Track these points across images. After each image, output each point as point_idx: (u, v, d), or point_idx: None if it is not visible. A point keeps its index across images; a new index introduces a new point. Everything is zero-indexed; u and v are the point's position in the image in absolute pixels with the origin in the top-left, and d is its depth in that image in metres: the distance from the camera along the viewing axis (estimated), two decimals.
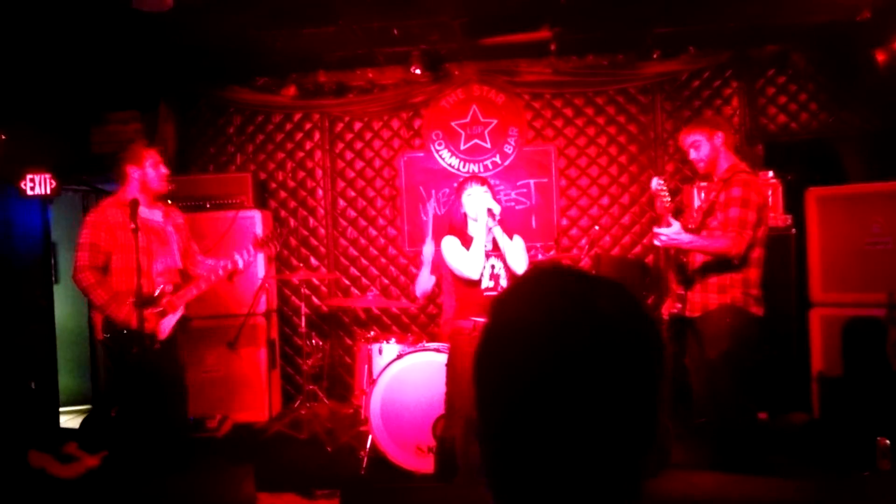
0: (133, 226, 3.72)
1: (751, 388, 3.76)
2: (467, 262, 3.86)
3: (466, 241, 3.95)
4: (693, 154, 3.78)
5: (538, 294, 0.87)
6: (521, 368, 0.81)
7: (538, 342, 0.80)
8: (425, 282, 4.73)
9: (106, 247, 3.77)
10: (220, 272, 3.98)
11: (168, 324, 3.86)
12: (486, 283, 3.93)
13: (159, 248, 3.92)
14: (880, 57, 5.11)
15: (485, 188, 3.99)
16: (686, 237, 3.49)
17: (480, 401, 0.86)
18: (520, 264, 3.93)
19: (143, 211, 3.88)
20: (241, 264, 4.02)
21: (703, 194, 4.04)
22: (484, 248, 3.89)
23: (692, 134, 3.78)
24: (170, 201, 5.44)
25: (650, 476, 0.84)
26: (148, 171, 3.91)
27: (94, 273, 3.75)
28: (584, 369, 0.78)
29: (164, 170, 4.01)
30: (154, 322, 3.80)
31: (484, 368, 0.86)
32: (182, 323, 4.00)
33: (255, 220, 5.77)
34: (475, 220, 3.97)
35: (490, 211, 3.89)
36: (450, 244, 3.96)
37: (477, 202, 3.93)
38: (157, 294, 3.83)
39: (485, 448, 0.85)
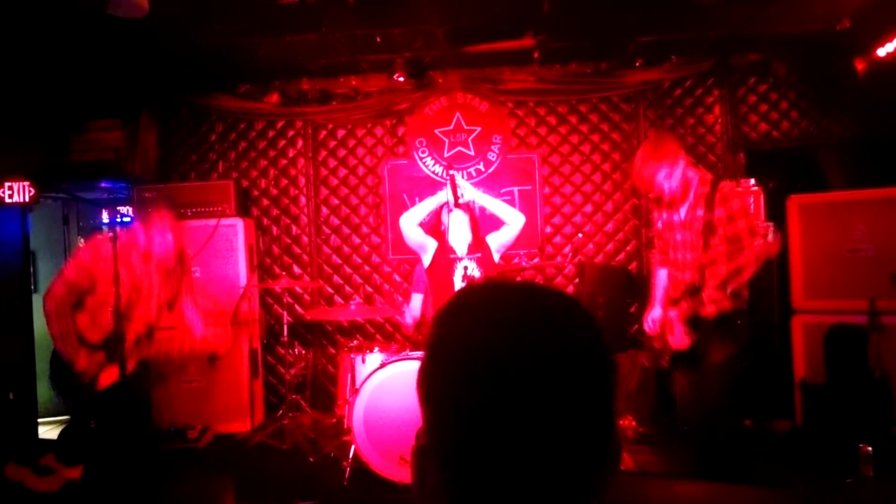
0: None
1: (739, 396, 3.76)
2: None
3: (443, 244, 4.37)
4: (667, 186, 3.60)
5: (484, 305, 0.85)
6: (471, 382, 0.78)
7: (486, 355, 0.78)
8: (416, 305, 4.91)
9: (83, 288, 3.84)
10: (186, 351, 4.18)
11: (109, 376, 3.84)
12: (460, 284, 4.02)
13: (136, 301, 3.95)
14: (860, 65, 5.16)
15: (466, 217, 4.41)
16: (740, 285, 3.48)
17: (430, 415, 0.84)
18: (513, 216, 4.45)
19: (135, 263, 3.93)
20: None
21: (665, 213, 3.90)
22: (421, 217, 4.41)
23: (661, 168, 3.58)
24: (151, 210, 5.43)
25: (606, 487, 0.83)
26: (155, 239, 3.95)
27: (61, 306, 3.79)
28: (537, 381, 0.77)
29: (171, 244, 4.00)
30: (95, 370, 3.82)
31: (432, 382, 0.84)
32: (133, 377, 3.95)
33: (237, 228, 5.74)
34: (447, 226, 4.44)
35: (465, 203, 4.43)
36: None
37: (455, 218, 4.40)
38: (113, 341, 3.80)
39: (437, 462, 0.83)
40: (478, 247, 4.37)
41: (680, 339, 3.68)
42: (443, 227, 4.43)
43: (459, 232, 4.36)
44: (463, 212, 4.40)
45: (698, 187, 3.64)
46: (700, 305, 3.56)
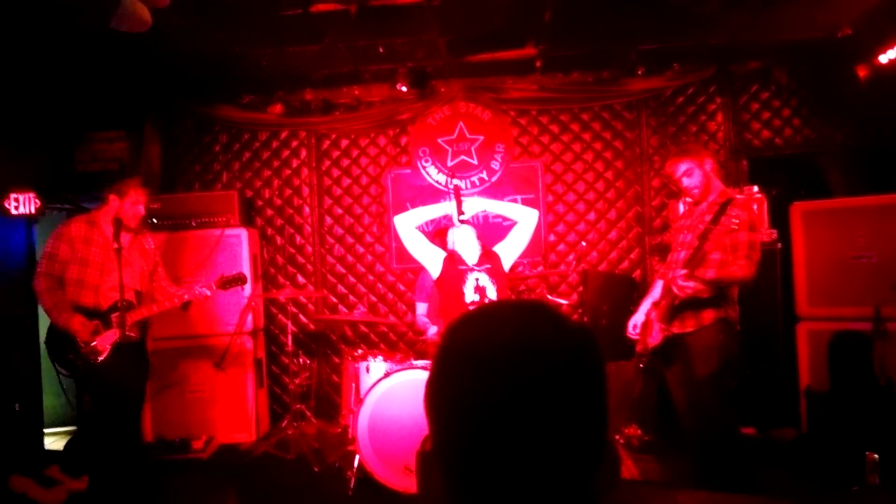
0: (116, 245, 4.00)
1: (735, 404, 3.76)
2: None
3: (451, 255, 4.29)
4: (686, 181, 3.77)
5: (490, 321, 0.90)
6: (476, 392, 0.83)
7: (493, 367, 0.83)
8: (422, 313, 4.98)
9: (63, 257, 4.00)
10: (176, 301, 4.22)
11: (107, 339, 3.96)
12: (471, 296, 3.99)
13: (117, 267, 4.06)
14: (861, 73, 5.16)
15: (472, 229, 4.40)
16: (710, 279, 3.48)
17: (436, 422, 0.87)
18: (522, 212, 4.44)
19: (108, 230, 4.11)
20: (195, 296, 4.28)
21: (685, 220, 4.01)
22: (419, 222, 4.39)
23: (683, 162, 3.77)
24: (154, 220, 5.47)
25: (603, 494, 0.86)
26: (126, 205, 4.14)
27: (48, 280, 3.96)
28: (539, 391, 0.81)
29: (141, 209, 4.21)
30: (92, 330, 3.93)
31: (439, 390, 0.87)
32: (127, 345, 4.04)
33: (242, 238, 5.75)
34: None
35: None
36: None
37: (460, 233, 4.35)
38: (106, 309, 4.01)
39: (441, 466, 0.86)
40: (487, 258, 4.31)
41: (655, 337, 3.74)
42: (450, 246, 4.37)
43: (467, 246, 4.31)
44: (468, 225, 4.37)
45: (716, 197, 3.74)
46: (674, 298, 3.63)
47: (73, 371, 3.95)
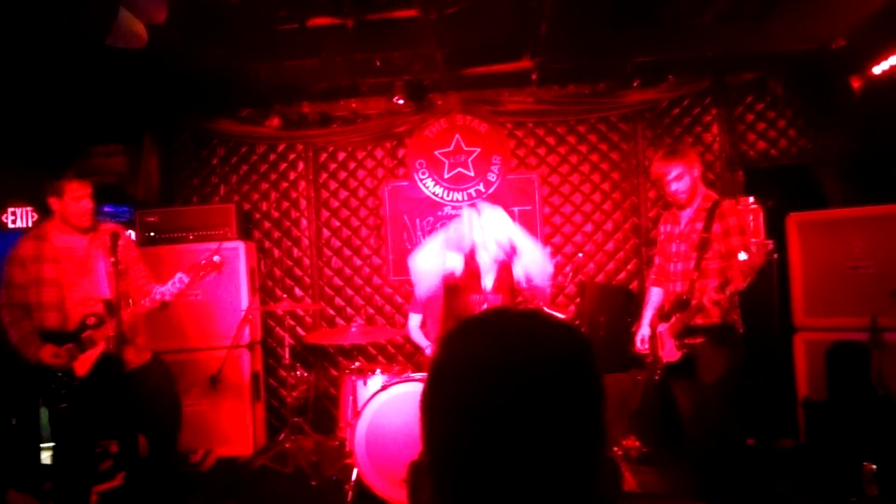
0: (113, 258, 3.78)
1: (741, 414, 3.76)
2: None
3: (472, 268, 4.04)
4: (674, 186, 3.76)
5: (487, 332, 0.90)
6: (471, 403, 0.82)
7: (490, 375, 0.82)
8: (416, 323, 4.92)
9: (20, 282, 3.74)
10: (147, 303, 3.83)
11: (87, 359, 3.73)
12: None
13: (78, 278, 3.81)
14: (856, 83, 5.19)
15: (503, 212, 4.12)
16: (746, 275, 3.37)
17: (430, 431, 0.87)
18: (539, 266, 3.98)
19: (62, 239, 3.83)
20: (167, 296, 3.85)
21: (668, 226, 4.00)
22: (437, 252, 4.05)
23: (673, 166, 3.75)
24: (153, 233, 5.45)
25: None
26: (68, 203, 3.80)
27: (10, 311, 3.73)
28: (537, 400, 0.80)
29: (87, 204, 3.85)
30: (66, 358, 3.68)
31: (433, 402, 0.87)
32: (109, 359, 3.76)
33: (239, 251, 5.75)
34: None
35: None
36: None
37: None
38: (75, 329, 3.74)
39: (432, 479, 0.85)
40: (504, 276, 4.02)
41: (671, 352, 3.73)
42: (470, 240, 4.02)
43: (495, 235, 3.96)
44: (497, 208, 4.06)
45: (701, 202, 3.74)
46: (692, 317, 3.59)
47: (58, 401, 3.69)
